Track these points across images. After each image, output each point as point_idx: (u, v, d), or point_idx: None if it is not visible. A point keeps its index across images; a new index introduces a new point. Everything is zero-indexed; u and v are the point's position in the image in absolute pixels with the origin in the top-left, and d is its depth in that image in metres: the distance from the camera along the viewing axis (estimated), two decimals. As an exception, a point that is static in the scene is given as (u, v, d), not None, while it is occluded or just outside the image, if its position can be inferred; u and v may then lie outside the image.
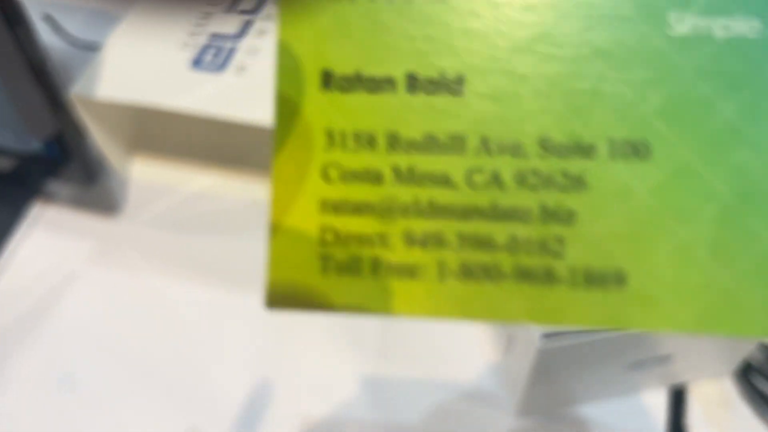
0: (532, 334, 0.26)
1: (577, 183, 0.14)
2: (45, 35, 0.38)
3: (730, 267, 0.14)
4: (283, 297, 0.15)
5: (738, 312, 0.14)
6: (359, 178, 0.15)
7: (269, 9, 0.36)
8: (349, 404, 0.31)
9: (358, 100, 0.15)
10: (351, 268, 0.15)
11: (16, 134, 0.33)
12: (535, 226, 0.14)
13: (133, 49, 0.35)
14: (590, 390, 0.30)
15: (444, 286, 0.15)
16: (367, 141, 0.15)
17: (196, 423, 0.31)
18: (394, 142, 0.15)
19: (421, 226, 0.15)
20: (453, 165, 0.15)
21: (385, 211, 0.15)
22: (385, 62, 0.15)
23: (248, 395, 0.32)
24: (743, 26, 0.14)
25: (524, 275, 0.14)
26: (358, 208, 0.15)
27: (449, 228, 0.15)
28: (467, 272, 0.14)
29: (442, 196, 0.15)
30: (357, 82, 0.15)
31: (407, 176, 0.15)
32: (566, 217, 0.14)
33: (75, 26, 0.40)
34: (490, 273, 0.14)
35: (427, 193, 0.15)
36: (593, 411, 0.31)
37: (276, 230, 0.15)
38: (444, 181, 0.15)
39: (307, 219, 0.15)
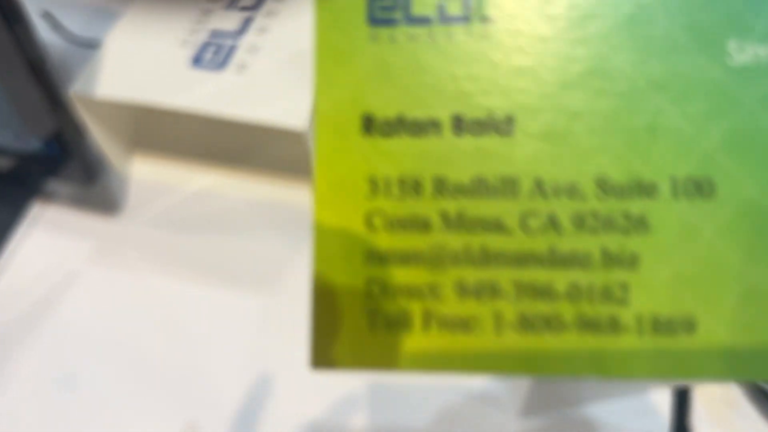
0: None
1: (639, 225, 0.13)
2: (44, 32, 0.37)
3: None
4: (328, 357, 0.14)
5: None
6: (405, 225, 0.14)
7: (269, 6, 0.36)
8: (350, 404, 0.31)
9: (402, 144, 0.14)
10: (400, 322, 0.14)
11: (16, 133, 0.33)
12: (596, 271, 0.13)
13: (132, 47, 0.35)
14: (594, 389, 0.30)
15: (502, 339, 0.14)
16: (413, 186, 0.14)
17: (196, 423, 0.31)
18: (441, 186, 0.14)
19: (474, 275, 0.14)
20: (505, 209, 0.14)
21: (435, 259, 0.14)
22: (429, 104, 0.14)
23: (248, 395, 0.32)
24: None
25: (588, 325, 0.13)
26: (406, 258, 0.14)
27: (504, 276, 0.14)
28: (526, 324, 0.14)
29: (495, 242, 0.14)
30: (400, 126, 0.14)
31: (456, 222, 0.14)
32: (630, 261, 0.13)
33: (74, 23, 0.40)
34: (550, 324, 0.13)
35: (478, 240, 0.14)
36: (597, 411, 0.30)
37: (319, 284, 0.14)
38: (496, 226, 0.14)
39: (352, 271, 0.14)
